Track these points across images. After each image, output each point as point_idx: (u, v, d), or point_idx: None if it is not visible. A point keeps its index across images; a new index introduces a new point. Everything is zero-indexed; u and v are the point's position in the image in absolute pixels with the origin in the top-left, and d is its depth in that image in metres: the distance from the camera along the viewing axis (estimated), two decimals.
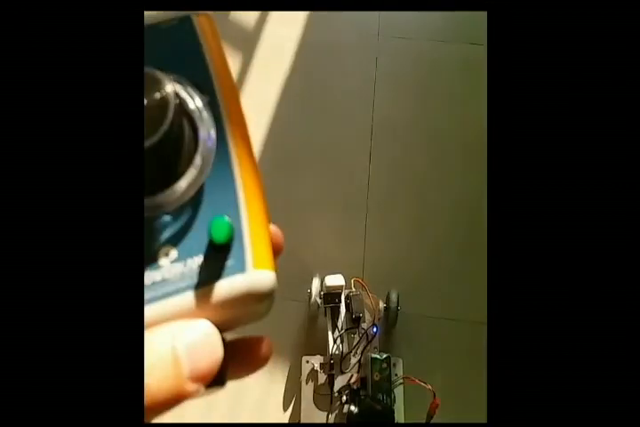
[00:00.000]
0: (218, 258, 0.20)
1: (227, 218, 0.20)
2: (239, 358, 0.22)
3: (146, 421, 0.18)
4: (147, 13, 0.23)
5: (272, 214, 0.22)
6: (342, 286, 0.97)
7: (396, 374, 0.94)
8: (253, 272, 0.20)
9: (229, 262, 0.20)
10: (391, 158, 1.25)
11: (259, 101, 1.29)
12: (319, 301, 0.99)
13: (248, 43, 1.35)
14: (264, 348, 0.23)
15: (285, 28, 1.38)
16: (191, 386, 0.18)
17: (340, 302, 0.97)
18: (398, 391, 0.94)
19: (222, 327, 0.21)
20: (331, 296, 0.97)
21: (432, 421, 0.85)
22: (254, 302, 0.20)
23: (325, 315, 0.99)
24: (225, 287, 0.20)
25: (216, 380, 0.20)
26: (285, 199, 1.18)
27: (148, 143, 0.18)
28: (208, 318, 0.20)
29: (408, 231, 1.18)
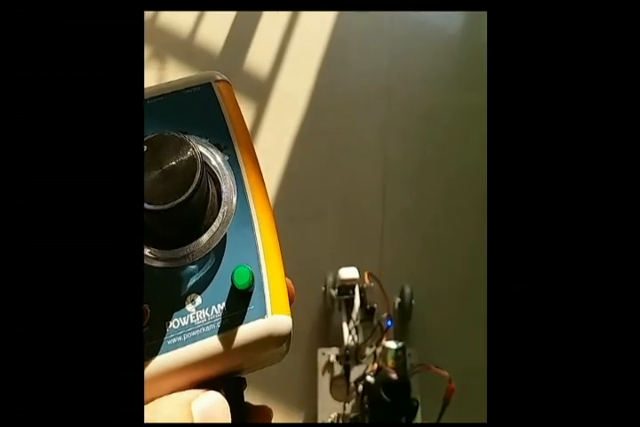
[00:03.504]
0: (240, 304, 0.22)
1: (248, 267, 0.22)
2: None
3: None
4: (170, 83, 0.26)
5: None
6: (356, 279, 0.99)
7: (412, 364, 0.95)
8: (273, 317, 0.22)
9: (251, 308, 0.22)
10: (404, 206, 1.27)
11: (272, 149, 1.31)
12: (333, 292, 1.01)
13: (261, 91, 1.39)
14: (265, 416, 0.25)
15: (297, 77, 1.41)
16: None
17: (354, 293, 0.99)
18: (414, 381, 0.95)
19: (242, 370, 0.23)
20: (345, 288, 0.99)
21: (448, 412, 0.86)
22: (274, 345, 0.22)
23: (340, 308, 1.01)
24: (247, 332, 0.22)
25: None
26: (298, 246, 1.18)
27: (177, 202, 0.20)
28: (230, 361, 0.22)
29: (422, 276, 1.18)
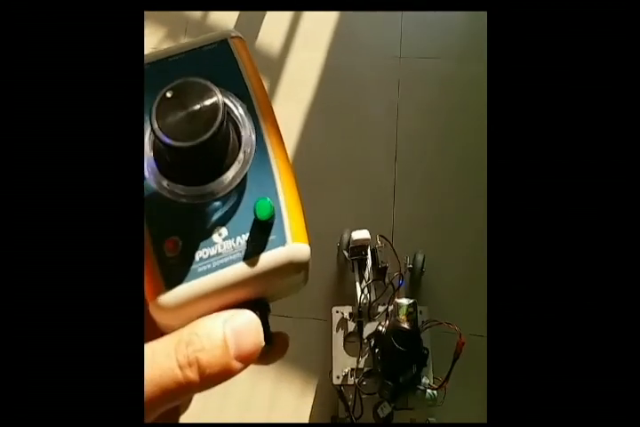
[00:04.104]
0: (262, 234, 0.24)
1: (269, 199, 0.24)
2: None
3: (198, 393, 0.21)
4: (188, 42, 0.27)
5: None
6: (368, 240, 1.02)
7: (423, 321, 0.98)
8: (292, 245, 0.24)
9: (272, 237, 0.24)
10: (416, 177, 1.28)
11: (284, 125, 1.32)
12: (346, 254, 1.04)
13: (273, 67, 1.40)
14: (283, 341, 0.27)
15: (309, 53, 1.42)
16: (236, 364, 0.21)
17: (366, 254, 1.02)
18: (425, 337, 0.98)
19: (266, 297, 0.25)
20: (357, 249, 1.03)
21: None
22: (294, 271, 0.24)
23: (353, 269, 1.04)
24: (269, 258, 0.24)
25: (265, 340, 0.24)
26: (310, 217, 1.19)
27: (201, 139, 0.22)
28: (256, 286, 0.24)
29: (432, 244, 1.20)
